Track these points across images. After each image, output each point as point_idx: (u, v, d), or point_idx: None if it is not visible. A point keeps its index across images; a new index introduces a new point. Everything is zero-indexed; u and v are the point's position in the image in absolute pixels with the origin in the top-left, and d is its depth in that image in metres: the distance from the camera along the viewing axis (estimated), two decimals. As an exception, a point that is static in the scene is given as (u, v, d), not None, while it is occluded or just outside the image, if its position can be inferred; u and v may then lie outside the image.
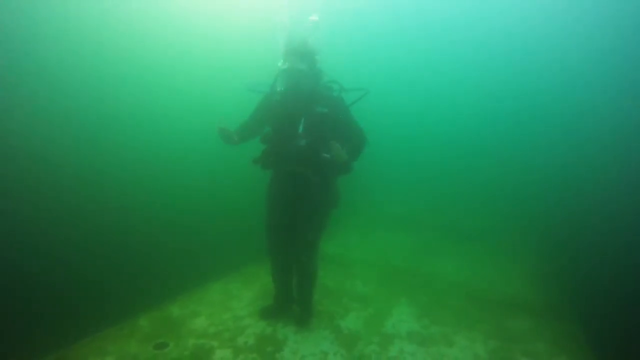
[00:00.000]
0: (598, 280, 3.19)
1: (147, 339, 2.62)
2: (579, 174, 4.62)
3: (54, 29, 2.32)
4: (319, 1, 2.62)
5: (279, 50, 2.46)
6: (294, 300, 3.00)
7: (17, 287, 2.25)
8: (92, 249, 2.65)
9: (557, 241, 4.52)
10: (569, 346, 2.83)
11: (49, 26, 2.30)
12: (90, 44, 2.49)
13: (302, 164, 2.49)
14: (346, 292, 3.50)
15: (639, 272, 2.92)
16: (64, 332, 2.46)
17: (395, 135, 7.45)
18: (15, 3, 2.11)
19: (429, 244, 5.04)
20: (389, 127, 7.11)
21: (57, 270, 2.45)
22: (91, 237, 2.64)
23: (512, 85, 7.24)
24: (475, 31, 7.21)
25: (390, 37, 7.13)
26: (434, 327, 2.99)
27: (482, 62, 7.49)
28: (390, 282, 3.77)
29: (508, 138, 7.17)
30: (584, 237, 3.84)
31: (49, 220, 2.41)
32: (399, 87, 7.55)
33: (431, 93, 8.09)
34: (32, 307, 2.32)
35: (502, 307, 3.36)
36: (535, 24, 6.24)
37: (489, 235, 5.41)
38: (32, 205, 2.33)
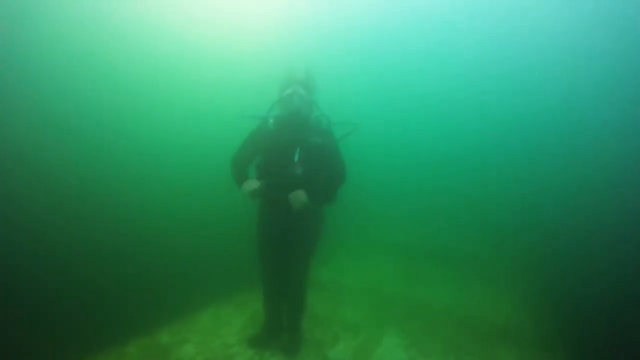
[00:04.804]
0: (591, 315, 3.19)
1: (134, 366, 2.62)
2: (575, 202, 4.60)
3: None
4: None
5: (279, 79, 2.57)
6: (284, 328, 3.01)
7: (3, 310, 2.24)
8: (82, 273, 2.66)
9: (550, 271, 4.53)
10: (556, 380, 2.83)
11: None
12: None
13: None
14: (336, 320, 3.50)
15: (634, 306, 2.91)
16: (51, 358, 2.46)
17: (388, 160, 7.53)
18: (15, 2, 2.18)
19: (421, 271, 5.05)
20: (382, 153, 7.21)
21: (46, 293, 2.45)
22: (80, 262, 2.66)
23: (515, 107, 7.17)
24: (475, 51, 7.30)
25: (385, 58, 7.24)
26: (422, 359, 2.99)
27: (486, 89, 7.50)
28: (381, 309, 3.78)
29: (504, 166, 7.16)
30: (577, 269, 3.84)
31: (40, 243, 2.43)
32: (393, 114, 7.66)
33: (427, 118, 8.16)
34: (18, 331, 2.31)
35: (491, 337, 3.37)
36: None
37: (481, 263, 5.44)
38: (19, 225, 2.36)
